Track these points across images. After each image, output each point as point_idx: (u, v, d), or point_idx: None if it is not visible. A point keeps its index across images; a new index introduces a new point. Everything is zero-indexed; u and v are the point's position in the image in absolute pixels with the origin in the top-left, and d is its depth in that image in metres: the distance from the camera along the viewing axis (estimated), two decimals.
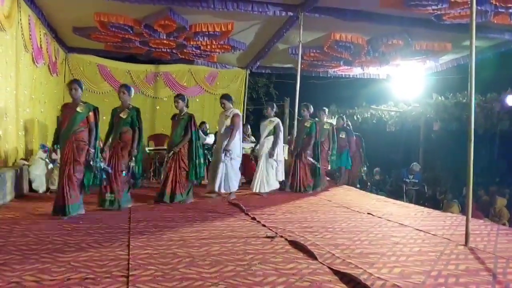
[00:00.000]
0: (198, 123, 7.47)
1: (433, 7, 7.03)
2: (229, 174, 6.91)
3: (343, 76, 13.29)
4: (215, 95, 11.87)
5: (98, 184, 5.54)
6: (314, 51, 10.10)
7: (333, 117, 16.33)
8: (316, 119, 8.76)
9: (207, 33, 8.78)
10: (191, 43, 9.46)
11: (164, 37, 8.98)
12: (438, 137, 13.99)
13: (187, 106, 6.86)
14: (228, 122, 6.97)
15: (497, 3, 6.74)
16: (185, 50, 10.24)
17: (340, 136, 9.39)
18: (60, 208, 5.06)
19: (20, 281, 2.86)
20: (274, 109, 7.99)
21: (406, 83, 13.29)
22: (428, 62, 11.05)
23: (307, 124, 8.15)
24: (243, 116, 12.45)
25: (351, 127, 10.26)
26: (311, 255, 3.66)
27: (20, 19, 6.89)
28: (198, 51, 10.31)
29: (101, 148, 6.08)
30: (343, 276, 3.12)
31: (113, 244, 3.91)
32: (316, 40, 9.55)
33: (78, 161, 5.15)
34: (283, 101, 15.77)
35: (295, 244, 4.03)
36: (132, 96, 6.14)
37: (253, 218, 5.32)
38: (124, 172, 5.79)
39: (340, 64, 11.33)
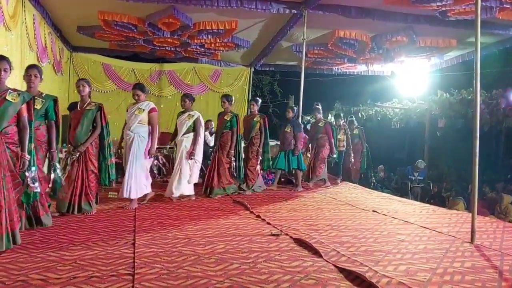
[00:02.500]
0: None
1: (438, 3, 7.00)
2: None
3: (348, 73, 13.26)
4: (220, 93, 11.91)
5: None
6: (318, 48, 10.07)
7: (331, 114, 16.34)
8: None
9: (211, 31, 8.78)
10: (195, 41, 9.46)
11: (168, 36, 8.98)
12: (443, 134, 13.94)
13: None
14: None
15: None
16: (189, 49, 10.24)
17: (286, 130, 8.21)
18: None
19: (26, 279, 2.88)
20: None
21: (410, 80, 13.23)
22: (433, 58, 10.99)
23: (227, 117, 7.12)
24: (247, 114, 12.48)
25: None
26: (316, 252, 3.66)
27: (25, 19, 6.91)
28: (202, 49, 10.31)
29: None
30: (348, 274, 3.12)
31: (119, 242, 3.93)
32: (320, 37, 9.53)
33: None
34: (287, 99, 15.77)
35: (300, 242, 4.02)
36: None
37: (258, 216, 5.32)
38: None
39: (344, 62, 11.30)
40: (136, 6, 7.52)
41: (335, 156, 8.83)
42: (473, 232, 4.18)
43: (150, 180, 6.26)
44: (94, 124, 5.31)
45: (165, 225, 4.75)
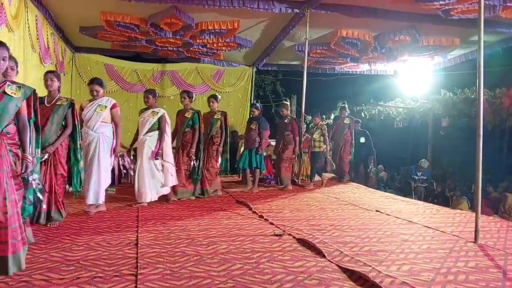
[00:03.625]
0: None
1: (441, 2, 6.96)
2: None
3: (350, 72, 13.23)
4: (222, 93, 11.91)
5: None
6: (321, 48, 10.06)
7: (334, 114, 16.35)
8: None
9: (213, 31, 8.77)
10: (197, 41, 9.46)
11: (170, 36, 8.98)
12: (447, 134, 13.90)
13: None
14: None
15: None
16: (191, 49, 10.24)
17: (251, 126, 7.90)
18: None
19: (30, 280, 2.88)
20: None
21: (413, 79, 13.20)
22: (436, 57, 10.96)
23: (188, 114, 6.76)
24: (250, 114, 12.48)
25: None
26: (319, 253, 3.65)
27: (27, 19, 6.92)
28: (204, 49, 10.30)
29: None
30: (351, 274, 3.11)
31: (122, 242, 3.93)
32: (323, 37, 9.51)
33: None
34: (290, 98, 15.75)
35: (303, 242, 4.02)
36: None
37: (261, 216, 5.31)
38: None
39: (347, 61, 11.28)
40: (138, 7, 7.52)
41: (294, 157, 8.30)
42: (476, 231, 4.17)
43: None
44: (63, 123, 4.77)
45: (168, 225, 4.75)
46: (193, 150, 6.61)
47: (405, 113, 15.11)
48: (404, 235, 4.44)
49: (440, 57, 10.90)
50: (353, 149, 9.74)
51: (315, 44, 9.86)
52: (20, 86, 3.27)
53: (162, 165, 6.13)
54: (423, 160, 12.06)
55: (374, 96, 16.48)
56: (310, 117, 15.01)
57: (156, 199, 6.15)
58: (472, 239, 4.19)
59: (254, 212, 5.59)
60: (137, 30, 8.70)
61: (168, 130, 6.23)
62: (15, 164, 3.20)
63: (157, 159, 6.03)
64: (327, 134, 9.04)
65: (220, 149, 7.18)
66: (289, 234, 4.35)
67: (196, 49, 10.34)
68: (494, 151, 12.42)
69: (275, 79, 19.22)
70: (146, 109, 6.32)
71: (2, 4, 5.64)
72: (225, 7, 7.36)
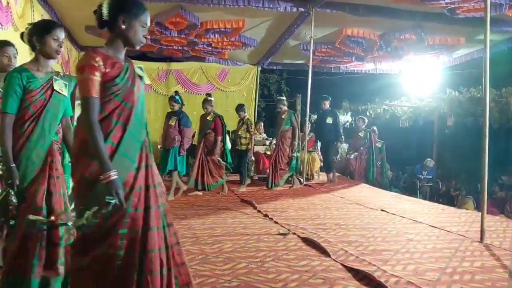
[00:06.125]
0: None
1: (447, 0, 6.94)
2: None
3: (355, 71, 13.20)
4: (227, 92, 11.95)
5: None
6: (326, 46, 10.04)
7: (345, 113, 16.28)
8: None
9: (218, 30, 8.77)
10: (202, 40, 9.47)
11: (176, 35, 8.99)
12: (452, 133, 13.84)
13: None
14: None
15: None
16: (196, 48, 10.25)
17: (170, 122, 7.14)
18: None
19: None
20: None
21: (419, 78, 13.16)
22: (441, 56, 10.92)
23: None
24: (254, 112, 12.49)
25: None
26: (324, 252, 3.65)
27: (34, 19, 6.95)
28: (209, 48, 10.31)
29: None
30: (356, 273, 3.11)
31: None
32: (328, 35, 9.48)
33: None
34: (295, 97, 15.72)
35: (308, 241, 4.02)
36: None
37: (266, 215, 5.31)
38: None
39: (352, 60, 11.25)
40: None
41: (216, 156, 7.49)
42: (482, 231, 4.15)
43: None
44: None
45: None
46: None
47: (410, 112, 15.05)
48: (409, 234, 4.43)
49: (445, 56, 10.86)
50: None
51: (320, 43, 9.84)
52: (65, 83, 2.76)
53: None
54: (428, 159, 12.02)
55: (379, 95, 16.43)
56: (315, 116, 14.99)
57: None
58: (478, 239, 4.17)
59: (259, 211, 5.59)
60: None
61: None
62: None
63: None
64: (252, 132, 8.40)
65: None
66: (294, 233, 4.35)
67: (201, 48, 10.34)
68: (500, 151, 12.34)
69: (280, 78, 19.20)
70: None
71: (8, 3, 5.67)
72: (230, 6, 7.36)
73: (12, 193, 2.51)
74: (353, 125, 10.08)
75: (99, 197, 1.93)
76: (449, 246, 3.99)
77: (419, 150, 15.18)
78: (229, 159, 7.69)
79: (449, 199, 10.54)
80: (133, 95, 2.11)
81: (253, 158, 9.15)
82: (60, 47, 2.68)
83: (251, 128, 8.12)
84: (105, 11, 2.09)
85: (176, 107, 6.89)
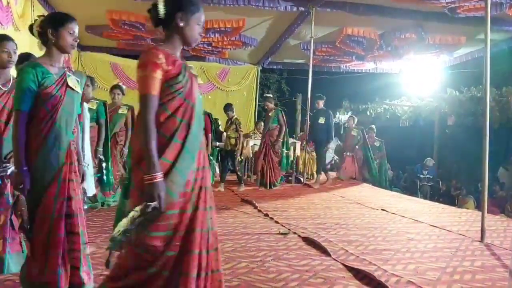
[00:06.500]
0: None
1: (447, 0, 6.94)
2: None
3: (356, 71, 13.20)
4: (227, 91, 11.95)
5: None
6: (326, 46, 10.04)
7: (346, 113, 16.27)
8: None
9: (218, 29, 8.78)
10: (203, 39, 9.47)
11: None
12: (453, 132, 13.84)
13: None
14: None
15: None
16: (196, 47, 10.25)
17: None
18: None
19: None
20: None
21: (419, 78, 13.15)
22: (442, 56, 10.92)
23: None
24: (255, 112, 12.51)
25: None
26: (324, 251, 3.65)
27: (34, 19, 6.97)
28: (210, 47, 10.31)
29: None
30: (357, 273, 3.11)
31: None
32: (328, 35, 9.49)
33: None
34: (295, 97, 15.73)
35: (308, 241, 4.01)
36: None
37: (266, 215, 5.31)
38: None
39: (353, 59, 11.25)
40: (144, 5, 7.49)
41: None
42: (483, 231, 4.15)
43: None
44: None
45: None
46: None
47: (411, 112, 15.06)
48: (410, 234, 4.43)
49: (446, 55, 10.86)
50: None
51: (321, 43, 9.84)
52: (77, 79, 2.64)
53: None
54: (428, 158, 12.02)
55: (379, 95, 16.43)
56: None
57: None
58: (479, 238, 4.17)
59: (259, 211, 5.59)
60: (143, 29, 8.72)
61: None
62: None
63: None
64: (241, 130, 8.13)
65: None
66: (294, 233, 4.35)
67: (201, 48, 10.35)
68: (500, 150, 12.33)
69: (280, 78, 19.20)
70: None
71: (8, 3, 5.67)
72: (230, 5, 7.37)
73: (23, 199, 2.33)
74: (346, 124, 9.97)
75: (145, 198, 1.87)
76: (450, 245, 3.98)
77: (420, 149, 15.18)
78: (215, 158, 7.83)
79: (450, 199, 10.54)
80: (193, 93, 2.09)
81: (250, 156, 9.13)
82: (75, 41, 2.56)
83: (240, 128, 7.95)
84: (161, 9, 2.10)
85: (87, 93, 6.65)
